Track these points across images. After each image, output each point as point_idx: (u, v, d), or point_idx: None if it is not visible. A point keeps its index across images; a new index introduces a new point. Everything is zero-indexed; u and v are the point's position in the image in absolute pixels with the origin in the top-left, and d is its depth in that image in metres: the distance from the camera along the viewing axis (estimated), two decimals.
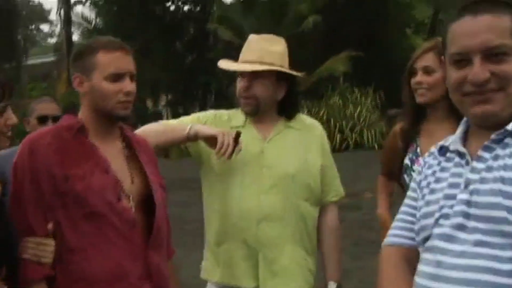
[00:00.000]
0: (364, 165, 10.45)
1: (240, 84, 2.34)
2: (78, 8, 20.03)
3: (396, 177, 2.68)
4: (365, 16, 15.06)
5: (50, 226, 1.79)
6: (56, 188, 1.80)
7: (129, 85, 1.90)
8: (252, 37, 2.39)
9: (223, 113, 2.46)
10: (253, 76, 2.30)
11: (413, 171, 2.53)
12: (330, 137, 13.38)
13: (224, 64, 2.40)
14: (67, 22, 19.81)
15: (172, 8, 19.17)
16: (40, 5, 27.34)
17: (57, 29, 22.93)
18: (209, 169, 2.38)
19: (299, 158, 2.35)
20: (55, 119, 2.97)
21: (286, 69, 2.36)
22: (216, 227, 2.35)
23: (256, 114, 2.36)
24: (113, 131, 1.98)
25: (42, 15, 28.12)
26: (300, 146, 2.38)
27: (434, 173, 1.47)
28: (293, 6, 13.52)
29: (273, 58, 2.32)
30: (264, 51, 2.32)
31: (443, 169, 1.45)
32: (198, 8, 18.39)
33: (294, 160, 2.34)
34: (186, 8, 19.07)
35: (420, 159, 2.51)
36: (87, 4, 18.99)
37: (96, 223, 1.82)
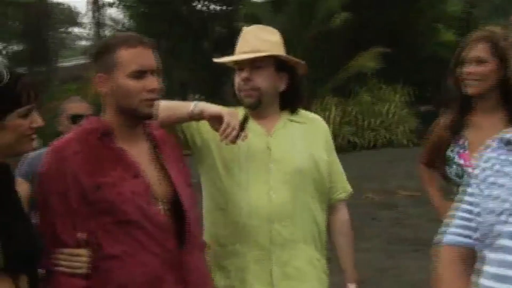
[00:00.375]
0: (395, 162, 10.33)
1: (239, 77, 2.23)
2: (109, 11, 20.25)
3: (436, 166, 2.67)
4: (394, 12, 14.86)
5: (81, 235, 1.73)
6: (86, 197, 1.75)
7: (153, 82, 1.82)
8: (245, 29, 2.30)
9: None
10: (253, 66, 2.20)
11: (455, 163, 2.50)
12: (360, 134, 13.28)
13: (220, 59, 2.30)
14: (97, 24, 20.06)
15: (199, 7, 19.24)
16: (71, 8, 27.74)
17: (88, 32, 23.22)
18: (211, 164, 2.22)
19: (306, 152, 2.25)
20: (86, 117, 3.01)
21: (284, 56, 2.27)
22: (220, 227, 2.21)
23: (258, 106, 2.24)
24: (138, 131, 1.91)
25: (73, 18, 28.51)
26: (306, 140, 2.29)
27: (493, 166, 1.40)
28: (322, 3, 13.41)
29: (269, 47, 2.22)
30: (259, 41, 2.22)
31: (506, 163, 1.37)
32: (225, 7, 18.41)
33: (301, 154, 2.24)
34: (212, 7, 19.11)
35: (467, 153, 2.46)
36: (117, 6, 19.22)
37: (129, 229, 1.76)
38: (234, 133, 1.98)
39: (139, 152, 1.87)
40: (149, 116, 1.86)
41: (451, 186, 2.60)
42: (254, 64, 2.19)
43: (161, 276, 1.78)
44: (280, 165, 2.19)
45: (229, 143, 2.00)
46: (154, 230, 1.79)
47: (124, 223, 1.76)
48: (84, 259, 1.73)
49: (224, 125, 1.97)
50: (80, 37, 28.15)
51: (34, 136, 1.65)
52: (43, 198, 1.79)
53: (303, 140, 2.27)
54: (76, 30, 28.13)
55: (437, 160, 2.63)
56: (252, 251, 2.15)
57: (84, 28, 24.52)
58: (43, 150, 3.18)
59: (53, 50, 21.56)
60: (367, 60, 13.40)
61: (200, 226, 2.09)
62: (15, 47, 22.16)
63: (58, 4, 26.78)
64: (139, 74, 1.80)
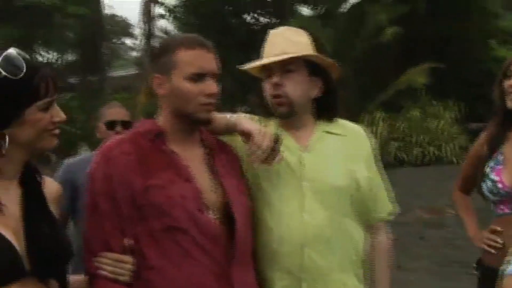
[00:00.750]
0: (444, 180, 10.07)
1: (269, 83, 2.02)
2: (160, 22, 20.63)
3: (473, 189, 2.61)
4: (447, 27, 14.59)
5: (128, 242, 1.66)
6: (134, 200, 1.67)
7: (211, 86, 1.74)
8: (272, 32, 2.09)
9: (259, 119, 2.13)
10: (283, 71, 2.00)
11: (490, 179, 2.43)
12: (408, 150, 13.05)
13: (248, 65, 2.11)
14: (148, 35, 20.46)
15: (248, 19, 19.39)
16: (124, 19, 28.41)
17: (139, 43, 23.72)
18: None
19: (344, 168, 2.01)
20: (124, 124, 2.99)
21: (316, 57, 2.05)
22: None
23: (291, 115, 2.04)
24: (194, 137, 1.83)
25: (126, 29, 29.19)
26: (344, 155, 2.04)
27: None
28: (372, 17, 13.30)
29: (300, 49, 2.01)
30: (288, 42, 2.01)
31: None
32: (274, 20, 18.49)
33: (339, 171, 2.00)
34: (262, 19, 19.23)
35: (500, 168, 2.39)
36: (168, 17, 19.58)
37: (177, 237, 1.67)
38: (263, 156, 1.83)
39: (192, 157, 1.79)
40: (206, 122, 1.79)
41: (489, 206, 2.53)
42: (284, 68, 2.00)
43: None
44: (314, 183, 1.97)
45: (259, 165, 1.87)
46: (203, 239, 1.68)
47: (172, 229, 1.66)
48: (129, 266, 1.66)
49: (253, 146, 1.84)
50: (132, 48, 28.80)
51: (57, 131, 1.57)
52: (91, 199, 1.72)
53: (341, 154, 2.04)
54: (128, 41, 28.80)
55: (475, 179, 2.54)
56: (281, 280, 1.93)
57: (136, 39, 25.07)
58: (81, 157, 3.20)
59: (105, 60, 22.10)
60: (417, 75, 13.19)
61: (252, 239, 1.93)
62: (69, 57, 22.82)
63: (114, 15, 27.51)
64: (198, 77, 1.72)
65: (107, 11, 23.53)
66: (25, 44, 20.95)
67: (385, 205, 2.17)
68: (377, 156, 2.17)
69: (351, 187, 2.00)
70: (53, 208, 1.63)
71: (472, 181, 2.60)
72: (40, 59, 23.98)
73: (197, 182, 1.74)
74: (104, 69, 21.19)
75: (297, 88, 2.01)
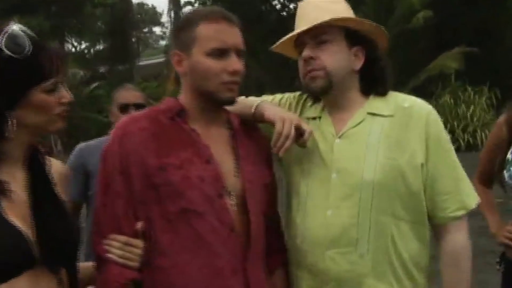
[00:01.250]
0: (478, 167, 9.88)
1: (301, 60, 1.77)
2: (188, 10, 20.66)
3: (494, 180, 2.45)
4: (480, 10, 14.24)
5: (140, 225, 1.54)
6: (149, 179, 1.55)
7: (235, 63, 1.59)
8: (302, 3, 1.83)
9: (306, 99, 1.91)
10: (316, 42, 1.73)
11: None
12: None
13: (276, 45, 1.88)
14: (177, 23, 20.51)
15: (278, 7, 19.23)
16: (153, 8, 28.52)
17: (168, 31, 23.78)
18: (283, 170, 1.88)
19: (386, 158, 1.70)
20: (138, 106, 2.85)
21: (353, 21, 1.77)
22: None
23: (327, 90, 1.75)
24: (218, 117, 1.69)
25: (155, 17, 29.32)
26: (388, 141, 1.72)
27: None
28: (403, 1, 13.04)
29: (337, 15, 1.74)
30: (319, 11, 1.73)
31: None
32: None
33: (377, 161, 1.70)
34: (292, 6, 19.05)
35: None
36: (196, 5, 19.57)
37: (192, 222, 1.54)
38: (287, 143, 1.65)
39: (216, 138, 1.66)
40: (230, 102, 1.63)
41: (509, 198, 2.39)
42: (317, 39, 1.73)
43: (227, 282, 1.56)
44: (344, 176, 1.71)
45: (281, 154, 1.68)
46: (220, 226, 1.56)
47: (187, 212, 1.54)
48: (139, 251, 1.54)
49: (275, 135, 1.67)
50: (161, 37, 28.94)
51: (64, 113, 1.48)
52: (103, 177, 1.61)
53: (384, 141, 1.72)
54: (157, 29, 28.93)
55: (494, 168, 2.37)
56: (306, 280, 1.75)
57: (165, 27, 25.17)
58: (93, 141, 3.11)
59: (135, 49, 22.25)
60: (450, 60, 12.91)
61: (275, 234, 1.82)
62: (99, 46, 23.06)
63: (142, 4, 27.67)
64: (220, 53, 1.58)
65: (136, 0, 23.61)
66: (56, 35, 21.26)
67: (461, 199, 1.75)
68: (446, 140, 1.78)
69: (395, 181, 1.69)
70: (61, 190, 1.56)
71: (492, 172, 2.43)
72: (72, 49, 24.28)
73: (218, 164, 1.61)
74: (133, 58, 21.33)
75: (334, 58, 1.73)
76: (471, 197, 1.78)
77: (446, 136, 1.79)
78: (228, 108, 1.72)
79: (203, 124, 1.65)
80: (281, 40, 1.83)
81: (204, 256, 1.55)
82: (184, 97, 1.68)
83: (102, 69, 21.44)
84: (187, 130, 1.62)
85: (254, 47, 17.40)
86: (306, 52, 1.74)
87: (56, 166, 1.59)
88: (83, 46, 25.03)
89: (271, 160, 1.81)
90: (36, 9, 18.29)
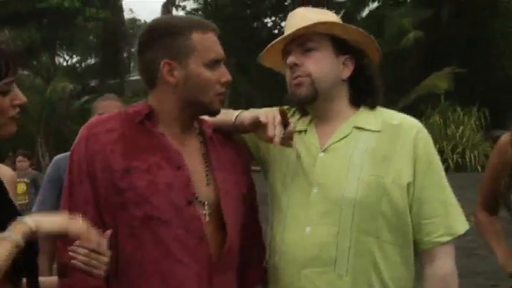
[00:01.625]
0: (466, 188, 9.86)
1: (287, 67, 1.70)
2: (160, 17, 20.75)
3: (499, 205, 2.32)
4: (470, 31, 14.39)
5: (107, 233, 1.44)
6: (115, 183, 1.48)
7: (227, 74, 1.57)
8: (291, 13, 1.77)
9: (293, 113, 1.82)
10: (302, 50, 1.66)
11: None
12: None
13: (261, 55, 1.81)
14: None
15: (270, 24, 19.36)
16: (145, 23, 28.59)
17: None
18: (267, 182, 1.79)
19: (369, 175, 1.61)
20: None
21: (340, 27, 1.69)
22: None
23: (314, 99, 1.67)
24: (192, 124, 1.63)
25: None
26: (375, 157, 1.63)
27: None
28: (393, 21, 13.17)
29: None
30: (306, 19, 1.66)
31: None
32: None
33: (360, 177, 1.60)
34: (283, 23, 19.19)
35: None
36: None
37: (156, 230, 1.48)
38: (278, 129, 1.56)
39: (187, 144, 1.59)
40: (218, 113, 1.59)
41: None
42: (303, 46, 1.66)
43: None
44: (324, 191, 1.61)
45: (277, 143, 1.58)
46: (186, 235, 1.49)
47: (151, 220, 1.47)
48: (105, 259, 1.43)
49: (264, 129, 1.58)
50: None
51: (17, 116, 1.39)
52: (70, 181, 1.55)
53: (369, 157, 1.63)
54: None
55: (499, 190, 2.24)
56: None
57: None
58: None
59: (126, 63, 22.25)
60: (439, 81, 13.02)
61: (254, 248, 1.75)
62: (91, 60, 23.05)
63: (134, 19, 27.71)
64: (215, 64, 1.54)
65: (127, 14, 23.69)
66: (47, 47, 21.23)
67: (449, 224, 1.65)
68: (436, 160, 1.69)
69: (379, 199, 1.59)
70: (12, 196, 1.48)
71: (497, 196, 2.30)
72: (63, 62, 24.26)
73: (189, 171, 1.54)
74: (124, 72, 21.33)
75: (320, 66, 1.65)
76: (460, 223, 1.66)
77: (435, 156, 1.70)
78: (208, 119, 1.67)
79: (174, 131, 1.58)
80: (266, 48, 1.76)
81: (169, 265, 1.49)
82: (159, 103, 1.58)
83: (93, 83, 21.40)
84: (157, 134, 1.55)
85: (245, 63, 17.50)
86: (291, 59, 1.66)
87: (3, 170, 1.52)
88: (75, 59, 25.04)
89: (249, 170, 1.74)
90: (28, 21, 18.29)
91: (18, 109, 1.38)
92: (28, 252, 1.37)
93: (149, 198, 1.47)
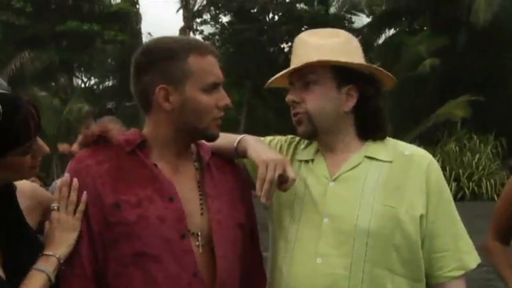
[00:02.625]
0: (482, 218, 9.71)
1: (288, 97, 1.68)
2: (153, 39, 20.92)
3: (511, 235, 2.26)
4: (486, 58, 14.34)
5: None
6: (105, 217, 1.42)
7: (226, 97, 1.51)
8: (299, 37, 1.71)
9: (299, 141, 1.78)
10: (303, 85, 1.62)
11: None
12: None
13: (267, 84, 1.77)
14: None
15: (286, 49, 19.46)
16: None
17: None
18: (270, 210, 1.74)
19: (382, 205, 1.56)
20: None
21: (344, 61, 1.60)
22: None
23: (313, 135, 1.65)
24: (187, 151, 1.56)
25: None
26: (388, 187, 1.58)
27: None
28: (410, 49, 13.18)
29: (324, 54, 1.59)
30: (308, 49, 1.62)
31: None
32: None
33: (373, 208, 1.56)
34: None
35: None
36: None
37: (147, 267, 1.41)
38: (271, 189, 1.52)
39: (181, 174, 1.53)
40: (216, 138, 1.53)
41: None
42: (304, 79, 1.61)
43: None
44: (336, 221, 1.56)
45: (265, 200, 1.53)
46: (178, 270, 1.42)
47: (141, 256, 1.41)
48: None
49: (258, 181, 1.52)
50: None
51: (38, 164, 1.42)
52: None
53: (382, 187, 1.59)
54: None
55: None
56: None
57: None
58: None
59: None
60: (456, 108, 12.96)
61: (255, 280, 1.69)
62: (108, 82, 23.31)
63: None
64: (214, 88, 1.48)
65: (146, 38, 23.97)
66: (66, 69, 21.53)
67: (461, 258, 1.61)
68: (447, 192, 1.65)
69: (392, 231, 1.55)
70: (31, 218, 1.48)
71: (511, 225, 2.16)
72: (81, 84, 24.55)
73: (182, 202, 1.47)
74: None
75: (319, 103, 1.60)
76: (471, 257, 1.62)
77: (446, 188, 1.65)
78: (208, 143, 1.62)
79: (168, 158, 1.51)
80: (268, 82, 1.73)
81: None
82: (153, 128, 1.52)
83: (109, 105, 21.60)
84: (149, 165, 1.48)
85: (261, 88, 17.57)
86: (289, 96, 1.63)
87: (22, 187, 1.51)
88: (92, 81, 25.33)
89: (248, 197, 1.67)
90: (47, 43, 18.58)
91: (38, 160, 1.42)
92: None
93: (139, 234, 1.41)
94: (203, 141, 1.60)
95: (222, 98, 1.50)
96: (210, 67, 1.48)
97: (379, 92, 1.65)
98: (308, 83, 1.60)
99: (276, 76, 1.69)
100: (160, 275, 1.41)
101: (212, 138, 1.53)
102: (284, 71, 1.65)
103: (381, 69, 1.64)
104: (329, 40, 1.63)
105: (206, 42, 1.86)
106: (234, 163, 1.67)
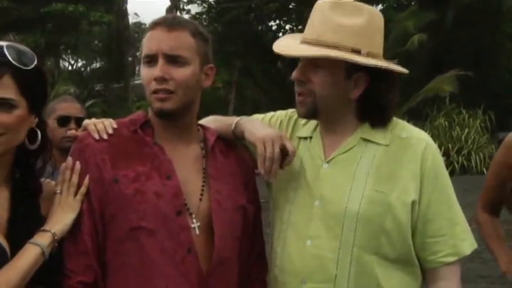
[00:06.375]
0: (471, 191, 9.81)
1: (292, 78, 1.62)
2: None
3: (501, 207, 2.23)
4: (475, 34, 14.36)
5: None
6: (105, 193, 1.45)
7: (156, 69, 1.47)
8: (317, 5, 1.60)
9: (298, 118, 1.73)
10: (310, 64, 1.56)
11: None
12: None
13: (277, 45, 1.66)
14: None
15: (274, 27, 19.36)
16: None
17: None
18: (269, 191, 1.73)
19: (374, 190, 1.53)
20: (78, 121, 2.49)
21: (360, 54, 1.54)
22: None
23: (313, 117, 1.62)
24: (186, 133, 1.57)
25: None
26: (381, 172, 1.55)
27: None
28: (397, 25, 13.14)
29: (341, 37, 1.52)
30: (329, 26, 1.53)
31: None
32: (300, 27, 18.44)
33: (363, 192, 1.53)
34: (288, 27, 19.18)
35: None
36: None
37: (141, 240, 1.43)
38: (274, 166, 1.51)
39: (183, 155, 1.54)
40: (162, 113, 1.50)
41: None
42: (313, 60, 1.55)
43: None
44: (327, 204, 1.55)
45: (269, 178, 1.54)
46: (173, 247, 1.44)
47: (137, 230, 1.43)
48: None
49: (258, 160, 1.52)
50: None
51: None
52: None
53: (375, 172, 1.56)
54: None
55: (504, 194, 2.16)
56: None
57: None
58: None
59: (131, 67, 22.28)
60: (445, 83, 12.99)
61: (255, 262, 1.69)
62: (96, 64, 23.09)
63: (139, 23, 27.75)
64: (149, 60, 1.50)
65: (132, 19, 23.74)
66: (52, 52, 21.29)
67: (455, 244, 1.57)
68: (444, 176, 1.61)
69: (382, 215, 1.52)
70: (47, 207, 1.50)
71: (501, 198, 2.22)
72: (68, 66, 24.32)
73: (179, 180, 1.49)
74: (129, 76, 21.35)
75: (326, 88, 1.55)
76: (467, 243, 1.59)
77: (444, 172, 1.61)
78: (209, 123, 1.67)
79: (170, 140, 1.54)
80: (280, 50, 1.62)
81: (150, 278, 1.43)
82: (150, 110, 1.58)
83: (97, 87, 21.44)
84: (149, 143, 1.51)
85: (250, 67, 17.49)
86: (296, 74, 1.59)
87: (45, 186, 1.54)
88: (79, 64, 25.12)
89: (252, 182, 1.68)
90: (32, 26, 18.32)
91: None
92: (48, 269, 1.40)
93: (136, 207, 1.43)
94: (209, 124, 1.65)
95: (154, 70, 1.47)
96: (147, 40, 1.50)
97: (391, 83, 1.60)
98: (318, 65, 1.55)
99: (281, 52, 1.61)
100: (155, 250, 1.43)
101: (158, 113, 1.50)
102: (289, 54, 1.61)
103: (386, 66, 1.57)
104: (350, 20, 1.54)
105: (194, 21, 1.81)
106: (238, 148, 1.68)
